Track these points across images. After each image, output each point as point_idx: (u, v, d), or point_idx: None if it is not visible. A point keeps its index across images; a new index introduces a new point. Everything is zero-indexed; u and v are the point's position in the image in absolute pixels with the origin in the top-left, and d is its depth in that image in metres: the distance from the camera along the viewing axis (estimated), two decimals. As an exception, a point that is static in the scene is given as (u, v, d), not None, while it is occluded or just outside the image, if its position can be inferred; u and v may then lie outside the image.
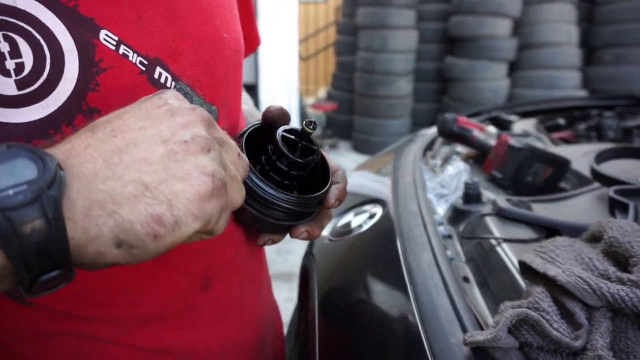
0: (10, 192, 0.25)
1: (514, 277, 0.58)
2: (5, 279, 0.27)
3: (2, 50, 0.32)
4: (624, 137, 1.38)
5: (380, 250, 0.75)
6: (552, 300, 0.42)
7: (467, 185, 0.84)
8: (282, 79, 4.51)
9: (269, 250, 0.68)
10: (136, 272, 0.43)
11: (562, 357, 0.40)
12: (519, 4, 4.42)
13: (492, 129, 1.23)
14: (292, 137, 0.47)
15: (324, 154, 0.52)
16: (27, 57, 0.33)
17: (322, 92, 7.27)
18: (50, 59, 0.34)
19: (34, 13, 0.33)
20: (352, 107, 5.22)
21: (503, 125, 1.48)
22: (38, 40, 0.33)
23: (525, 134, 1.33)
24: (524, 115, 1.61)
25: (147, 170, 0.29)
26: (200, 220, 0.30)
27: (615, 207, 0.68)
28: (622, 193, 0.68)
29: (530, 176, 0.92)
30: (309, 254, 0.95)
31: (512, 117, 1.52)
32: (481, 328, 0.50)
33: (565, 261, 0.45)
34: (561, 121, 1.54)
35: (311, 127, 0.45)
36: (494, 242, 0.68)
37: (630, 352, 0.38)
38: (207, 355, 0.52)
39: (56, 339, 0.43)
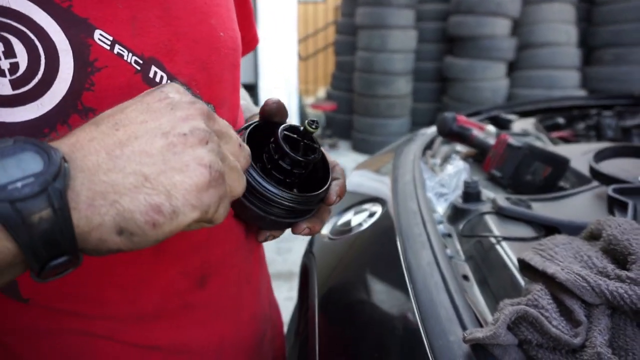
0: (19, 184, 0.26)
1: (513, 275, 0.58)
2: (17, 266, 0.28)
3: None
4: (623, 137, 1.38)
5: (380, 249, 0.75)
6: (552, 297, 0.42)
7: (467, 184, 0.84)
8: (282, 78, 4.51)
9: (269, 250, 0.68)
10: (132, 269, 0.43)
11: (561, 354, 0.40)
12: (518, 3, 4.42)
13: (491, 128, 1.23)
14: (294, 135, 0.48)
15: (323, 150, 0.52)
16: (22, 57, 0.33)
17: (321, 92, 7.27)
18: (45, 59, 0.34)
19: (28, 13, 0.33)
20: (352, 107, 5.22)
21: (502, 125, 1.48)
22: (32, 41, 0.33)
23: (525, 133, 1.33)
24: (523, 114, 1.61)
25: (147, 162, 0.30)
26: (198, 210, 0.30)
27: (614, 206, 0.68)
28: (621, 192, 0.69)
29: (530, 175, 0.92)
30: (309, 253, 0.95)
31: (512, 117, 1.52)
32: (481, 326, 0.50)
33: (564, 259, 0.45)
34: (560, 120, 1.54)
35: (313, 126, 0.46)
36: (493, 240, 0.68)
37: (629, 349, 0.38)
38: (203, 352, 0.52)
39: (53, 336, 0.43)
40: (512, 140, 0.96)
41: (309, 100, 6.43)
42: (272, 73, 4.45)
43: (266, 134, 0.48)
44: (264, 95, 4.44)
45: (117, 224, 0.28)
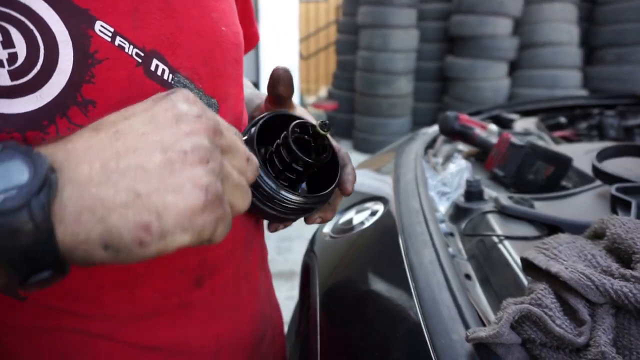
0: (1, 197, 0.25)
1: (516, 274, 0.58)
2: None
3: None
4: (625, 136, 1.38)
5: (382, 248, 0.75)
6: (555, 296, 0.42)
7: (469, 183, 0.83)
8: (283, 77, 4.50)
9: (269, 249, 0.68)
10: (129, 269, 0.43)
11: (565, 353, 0.39)
12: (519, 3, 4.42)
13: (493, 127, 1.23)
14: (305, 136, 0.48)
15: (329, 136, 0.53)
16: (20, 48, 0.33)
17: (322, 91, 7.27)
18: (44, 50, 0.33)
19: (27, 3, 0.32)
20: (353, 106, 5.21)
21: (504, 124, 1.47)
22: (31, 31, 0.33)
23: (527, 133, 1.33)
24: (525, 114, 1.61)
25: (142, 179, 0.29)
26: (189, 233, 0.29)
27: (618, 205, 0.67)
28: (624, 191, 0.68)
29: (532, 174, 0.91)
30: (310, 251, 0.95)
31: (513, 116, 1.52)
32: (483, 325, 0.50)
33: (568, 258, 0.45)
34: (562, 120, 1.54)
35: (325, 129, 0.47)
36: (495, 239, 0.68)
37: (634, 348, 0.38)
38: (202, 352, 0.51)
39: (52, 335, 0.43)
40: (514, 139, 0.96)
41: (311, 99, 6.43)
42: (274, 72, 4.45)
43: (274, 127, 0.49)
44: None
45: (103, 240, 0.28)
